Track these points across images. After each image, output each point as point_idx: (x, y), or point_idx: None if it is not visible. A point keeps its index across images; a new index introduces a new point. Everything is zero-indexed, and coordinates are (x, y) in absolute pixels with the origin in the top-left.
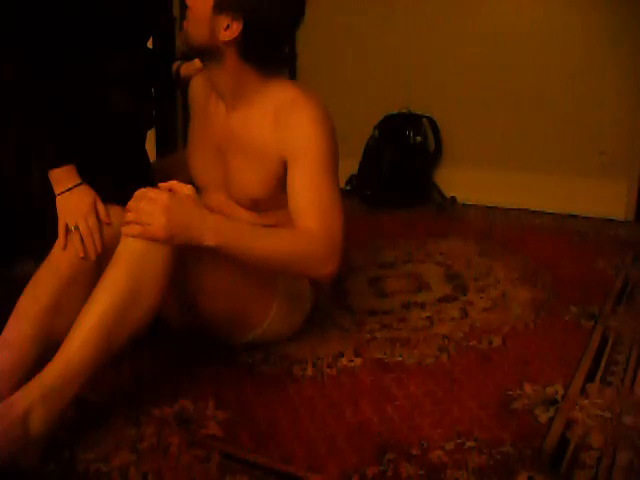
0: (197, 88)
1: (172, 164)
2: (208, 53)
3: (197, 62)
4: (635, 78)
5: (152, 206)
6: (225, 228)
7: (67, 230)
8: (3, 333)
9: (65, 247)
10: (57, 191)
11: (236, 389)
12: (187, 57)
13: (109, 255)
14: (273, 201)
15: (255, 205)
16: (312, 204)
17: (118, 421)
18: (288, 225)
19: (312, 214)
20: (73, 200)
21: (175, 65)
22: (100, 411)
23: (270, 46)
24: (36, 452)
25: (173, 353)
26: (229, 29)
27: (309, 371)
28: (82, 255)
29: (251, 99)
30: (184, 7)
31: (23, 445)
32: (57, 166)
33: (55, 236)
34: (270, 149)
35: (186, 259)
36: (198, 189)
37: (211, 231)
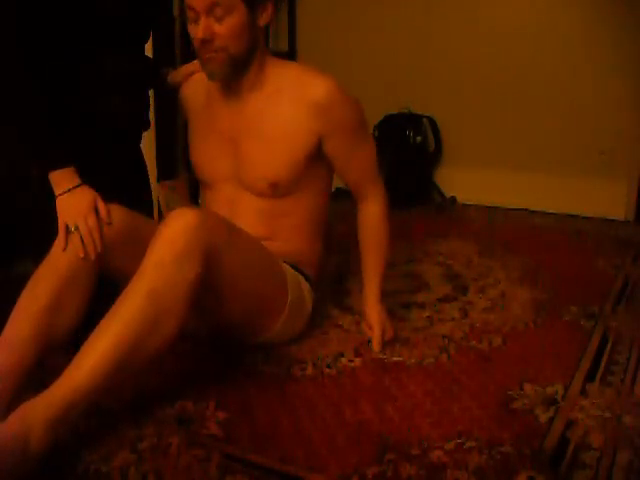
0: (194, 90)
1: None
2: (250, 54)
3: (184, 69)
4: (635, 78)
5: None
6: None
7: (67, 231)
8: (3, 333)
9: (65, 248)
10: (57, 192)
11: (236, 389)
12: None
13: (109, 254)
14: (293, 183)
15: (274, 190)
16: (367, 170)
17: (118, 421)
18: (296, 214)
19: (370, 178)
20: (73, 201)
21: (165, 73)
22: (100, 411)
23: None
24: (34, 467)
25: (173, 353)
26: (265, 13)
27: (309, 371)
28: (82, 255)
29: (266, 82)
30: (184, 10)
31: (21, 465)
32: (57, 168)
33: (54, 236)
34: (296, 125)
35: (208, 272)
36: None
37: None
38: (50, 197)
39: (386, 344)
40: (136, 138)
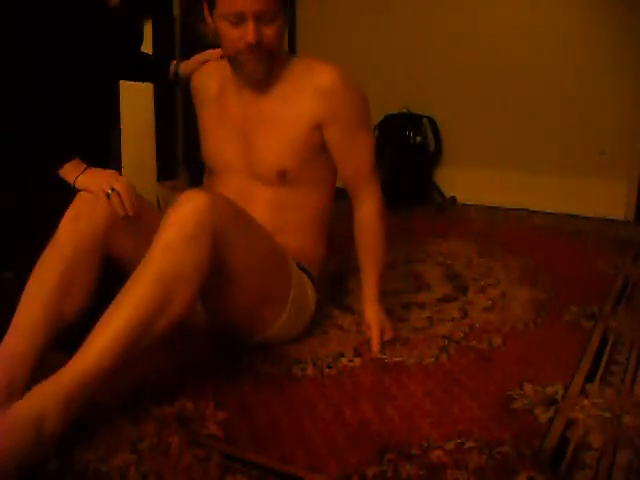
0: (206, 79)
1: None
2: (279, 55)
3: (196, 58)
4: (635, 78)
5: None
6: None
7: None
8: (14, 319)
9: (115, 209)
10: (71, 179)
11: (236, 389)
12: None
13: (113, 237)
14: (300, 171)
15: (282, 178)
16: (364, 165)
17: (118, 421)
18: (303, 208)
19: (367, 175)
20: (94, 173)
21: (173, 65)
22: (100, 411)
23: None
24: (48, 451)
25: (173, 353)
26: (288, 16)
27: (309, 371)
28: (123, 214)
29: (281, 77)
30: (184, 11)
31: (36, 448)
32: (69, 159)
33: (38, 249)
34: (299, 113)
35: (214, 256)
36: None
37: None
38: (31, 213)
39: (385, 344)
40: (104, 136)
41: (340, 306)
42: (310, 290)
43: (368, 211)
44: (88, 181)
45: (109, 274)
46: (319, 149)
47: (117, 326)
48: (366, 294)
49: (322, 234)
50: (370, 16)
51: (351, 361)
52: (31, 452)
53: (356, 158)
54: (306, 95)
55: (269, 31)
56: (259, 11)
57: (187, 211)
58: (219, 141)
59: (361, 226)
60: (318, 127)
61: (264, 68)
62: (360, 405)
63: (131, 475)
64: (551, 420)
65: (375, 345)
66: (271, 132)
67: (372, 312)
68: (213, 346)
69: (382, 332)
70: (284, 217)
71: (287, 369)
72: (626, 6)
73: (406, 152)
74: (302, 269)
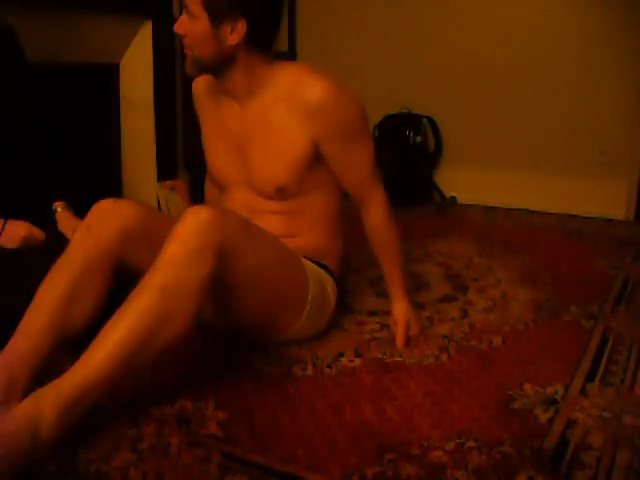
0: (204, 96)
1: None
2: (221, 64)
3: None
4: (635, 78)
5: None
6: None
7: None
8: (21, 322)
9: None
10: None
11: (236, 389)
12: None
13: (124, 249)
14: (298, 186)
15: (281, 193)
16: (366, 172)
17: (118, 421)
18: (312, 211)
19: (370, 181)
20: (8, 226)
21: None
22: (100, 411)
23: (274, 24)
24: (45, 455)
25: (173, 353)
26: (235, 32)
27: (309, 371)
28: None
29: (263, 89)
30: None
31: (30, 452)
32: None
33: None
34: (293, 131)
35: (223, 270)
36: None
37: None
38: None
39: (389, 344)
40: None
41: (340, 306)
42: (330, 286)
43: (377, 214)
44: (8, 232)
45: (123, 284)
46: (317, 162)
47: (119, 335)
48: (392, 293)
49: (336, 229)
50: (370, 16)
51: (351, 361)
52: (25, 456)
53: (357, 168)
54: (297, 113)
55: (189, 29)
56: (185, 3)
57: (190, 226)
58: (220, 156)
59: (373, 230)
60: (314, 144)
61: (191, 68)
62: (360, 405)
63: (131, 475)
64: (551, 420)
65: (399, 340)
66: (267, 150)
67: (399, 308)
68: (213, 346)
69: (408, 327)
70: (293, 223)
71: (287, 369)
72: (626, 6)
73: (406, 152)
74: (321, 266)
